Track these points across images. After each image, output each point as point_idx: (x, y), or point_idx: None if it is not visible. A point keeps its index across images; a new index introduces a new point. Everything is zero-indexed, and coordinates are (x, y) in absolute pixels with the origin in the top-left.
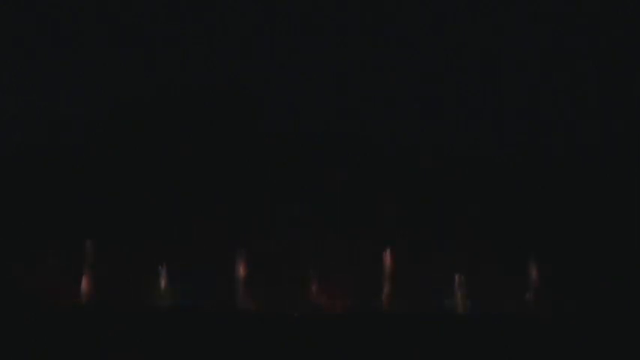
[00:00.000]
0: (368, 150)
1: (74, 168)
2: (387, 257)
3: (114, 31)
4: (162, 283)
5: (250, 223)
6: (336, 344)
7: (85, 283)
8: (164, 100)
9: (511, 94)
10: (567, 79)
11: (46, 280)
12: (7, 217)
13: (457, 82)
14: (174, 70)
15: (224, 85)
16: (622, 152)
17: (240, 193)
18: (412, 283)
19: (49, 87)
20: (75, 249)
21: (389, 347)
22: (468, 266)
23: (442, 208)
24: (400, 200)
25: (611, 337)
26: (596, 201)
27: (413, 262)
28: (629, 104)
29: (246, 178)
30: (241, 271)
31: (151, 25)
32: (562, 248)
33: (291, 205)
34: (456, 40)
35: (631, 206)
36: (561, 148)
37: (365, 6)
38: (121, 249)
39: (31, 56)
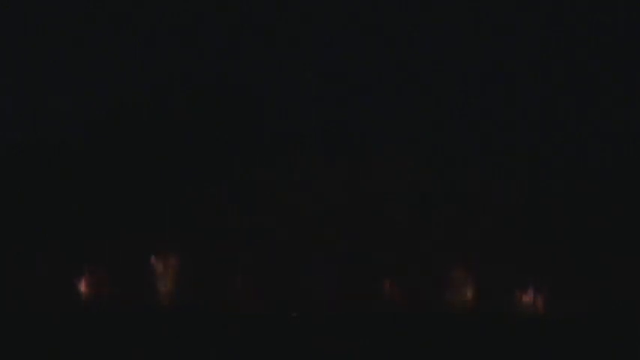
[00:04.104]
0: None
1: (74, 167)
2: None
3: (114, 30)
4: (162, 282)
5: (250, 223)
6: (335, 344)
7: (84, 283)
8: (164, 100)
9: (511, 94)
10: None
11: (45, 280)
12: (7, 217)
13: (457, 82)
14: (174, 70)
15: (224, 85)
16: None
17: (238, 192)
18: (412, 282)
19: (49, 87)
20: (74, 249)
21: (389, 347)
22: (470, 266)
23: (442, 208)
24: (400, 199)
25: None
26: (596, 201)
27: (412, 262)
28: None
29: (246, 178)
30: (240, 270)
31: (150, 25)
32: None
33: (289, 204)
34: (456, 40)
35: (632, 206)
36: (561, 148)
37: (364, 6)
38: (120, 249)
39: (31, 56)
